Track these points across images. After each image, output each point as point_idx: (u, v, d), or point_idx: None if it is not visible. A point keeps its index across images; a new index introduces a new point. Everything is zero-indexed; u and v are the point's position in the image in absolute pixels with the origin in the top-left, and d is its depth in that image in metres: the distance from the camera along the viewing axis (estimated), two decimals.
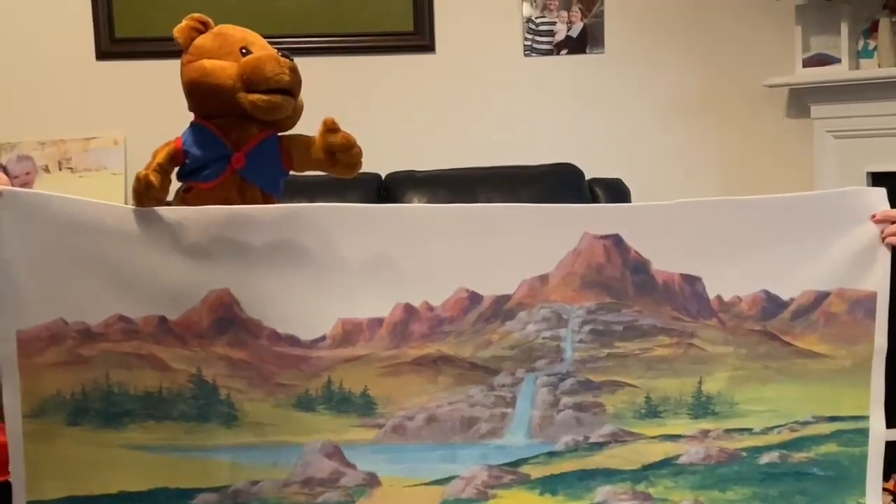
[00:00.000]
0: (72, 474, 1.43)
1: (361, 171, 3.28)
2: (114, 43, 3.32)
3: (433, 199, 3.16)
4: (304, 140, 1.48)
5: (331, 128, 1.44)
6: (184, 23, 1.48)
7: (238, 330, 1.42)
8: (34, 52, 3.27)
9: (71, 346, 1.40)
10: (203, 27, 1.49)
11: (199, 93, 1.46)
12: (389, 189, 3.28)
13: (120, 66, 3.32)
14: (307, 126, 1.53)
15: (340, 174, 1.48)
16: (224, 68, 1.44)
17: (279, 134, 1.50)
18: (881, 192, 1.54)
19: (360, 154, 1.46)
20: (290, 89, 1.44)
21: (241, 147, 1.45)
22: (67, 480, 1.42)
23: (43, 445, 1.41)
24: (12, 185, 1.42)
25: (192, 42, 1.48)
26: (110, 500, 1.42)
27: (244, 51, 1.46)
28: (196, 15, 1.49)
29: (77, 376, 1.41)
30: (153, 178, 1.38)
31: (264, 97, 1.42)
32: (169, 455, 1.43)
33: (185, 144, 1.44)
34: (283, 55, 1.45)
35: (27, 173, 3.25)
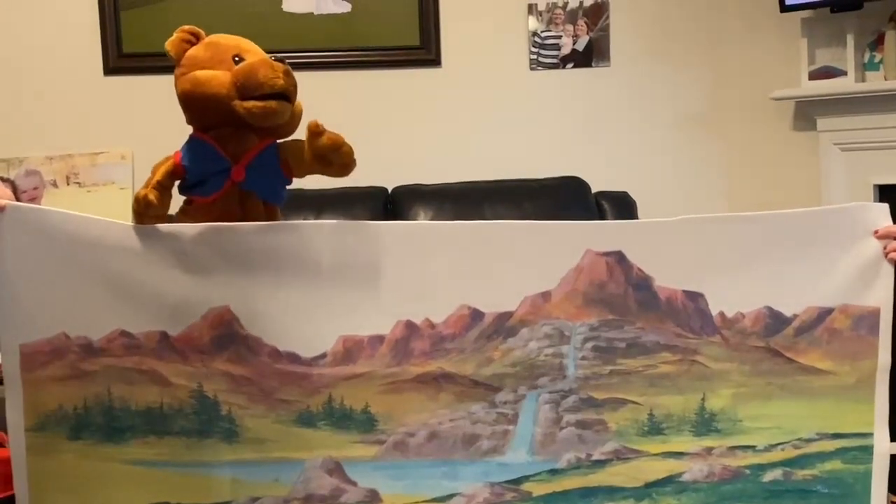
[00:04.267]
0: (73, 489, 1.43)
1: (368, 185, 3.30)
2: (122, 58, 3.34)
3: (439, 213, 3.17)
4: (298, 146, 1.46)
5: (314, 131, 1.41)
6: (175, 35, 1.47)
7: (239, 347, 1.42)
8: (42, 68, 3.30)
9: (73, 361, 1.41)
10: (195, 39, 1.47)
11: (194, 104, 1.45)
12: (396, 203, 3.29)
13: (128, 82, 3.34)
14: None
15: (336, 175, 1.45)
16: (217, 77, 1.42)
17: (278, 142, 1.48)
18: (883, 208, 1.53)
19: (350, 152, 1.42)
20: (286, 93, 1.42)
21: (240, 159, 1.44)
22: (69, 495, 1.43)
23: (45, 459, 1.42)
24: (20, 200, 1.43)
25: (184, 54, 1.46)
26: None
27: (237, 58, 1.44)
28: (187, 27, 1.48)
29: (79, 391, 1.42)
30: (152, 196, 1.37)
31: (259, 104, 1.40)
32: (170, 470, 1.43)
33: (183, 160, 1.43)
34: (276, 59, 1.43)
35: (35, 188, 3.27)
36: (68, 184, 3.31)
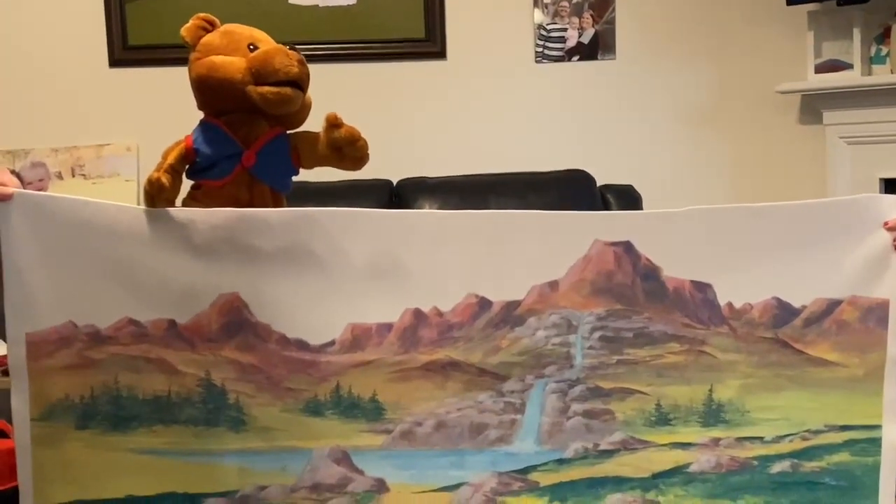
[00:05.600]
0: (79, 478, 1.42)
1: (373, 177, 3.31)
2: (127, 50, 3.35)
3: (444, 206, 3.17)
4: (311, 137, 1.48)
5: (334, 123, 1.44)
6: (191, 22, 1.50)
7: (247, 334, 1.42)
8: (48, 60, 3.30)
9: (80, 349, 1.40)
10: (210, 26, 1.50)
11: (208, 88, 1.46)
12: (401, 195, 3.29)
13: (133, 74, 3.34)
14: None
15: (348, 168, 1.48)
16: (233, 63, 1.44)
17: (288, 132, 1.50)
18: (894, 200, 1.53)
19: (365, 146, 1.46)
20: (300, 81, 1.44)
21: (251, 144, 1.46)
22: (75, 484, 1.42)
23: (51, 449, 1.41)
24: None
25: (199, 41, 1.48)
26: None
27: (251, 47, 1.46)
28: (202, 14, 1.50)
29: (86, 379, 1.41)
30: (165, 179, 1.38)
31: (274, 89, 1.42)
32: (177, 459, 1.43)
33: (195, 143, 1.45)
34: (290, 48, 1.45)
35: (40, 180, 3.28)
36: (73, 176, 3.32)
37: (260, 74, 1.42)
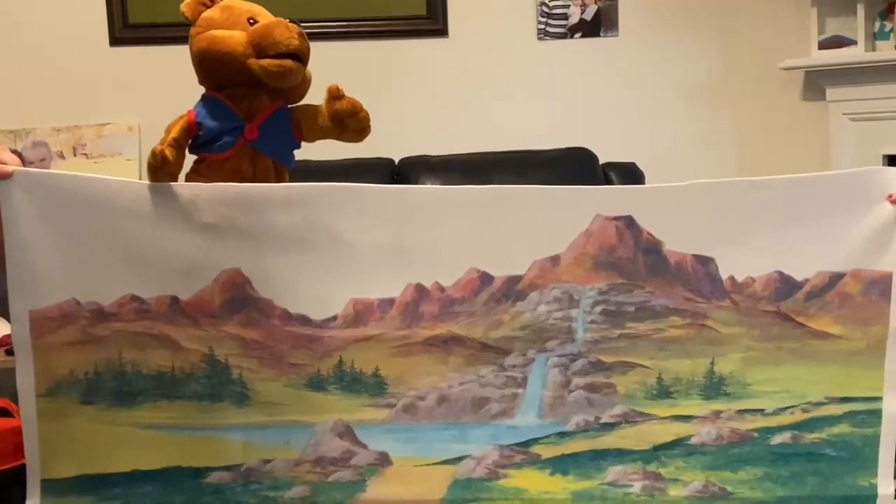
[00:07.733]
0: (85, 453, 1.44)
1: (375, 156, 3.31)
2: (127, 29, 3.34)
3: (446, 184, 3.16)
4: (312, 110, 1.49)
5: (335, 95, 1.45)
6: None
7: (250, 310, 1.43)
8: (48, 39, 3.30)
9: (84, 326, 1.41)
10: (210, 2, 1.51)
11: (210, 62, 1.47)
12: (403, 174, 3.29)
13: (134, 53, 3.34)
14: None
15: (350, 140, 1.48)
16: (233, 36, 1.45)
17: (289, 105, 1.51)
18: None
19: (367, 118, 1.46)
20: (300, 54, 1.45)
21: (253, 118, 1.46)
22: (81, 459, 1.44)
23: (56, 424, 1.43)
24: None
25: (199, 16, 1.49)
26: (124, 478, 1.44)
27: (251, 21, 1.47)
28: None
29: (90, 356, 1.42)
30: (168, 152, 1.39)
31: (275, 62, 1.43)
32: (182, 434, 1.45)
33: (198, 117, 1.45)
34: (290, 21, 1.46)
35: (42, 159, 3.28)
36: (75, 155, 3.32)
37: (261, 47, 1.43)
